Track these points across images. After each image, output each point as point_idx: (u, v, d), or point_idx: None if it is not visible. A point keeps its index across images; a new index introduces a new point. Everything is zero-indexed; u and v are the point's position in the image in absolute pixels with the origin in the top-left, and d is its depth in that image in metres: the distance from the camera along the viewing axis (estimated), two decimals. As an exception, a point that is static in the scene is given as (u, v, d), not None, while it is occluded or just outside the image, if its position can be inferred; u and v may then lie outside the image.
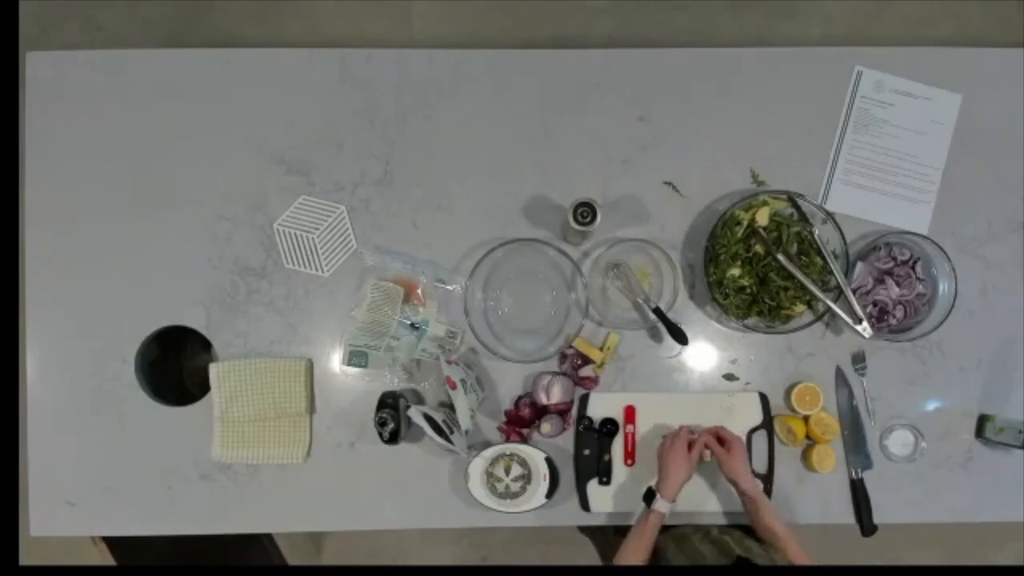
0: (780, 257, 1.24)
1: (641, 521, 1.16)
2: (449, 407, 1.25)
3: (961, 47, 1.36)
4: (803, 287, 1.24)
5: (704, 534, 1.21)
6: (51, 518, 1.32)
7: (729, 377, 1.33)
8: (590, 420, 1.29)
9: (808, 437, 1.30)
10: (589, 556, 1.84)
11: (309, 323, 1.33)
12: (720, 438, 1.20)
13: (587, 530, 1.78)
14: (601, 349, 1.30)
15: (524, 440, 1.29)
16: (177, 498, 1.32)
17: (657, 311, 1.25)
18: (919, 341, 1.30)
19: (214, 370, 1.29)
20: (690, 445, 1.19)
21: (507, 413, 1.31)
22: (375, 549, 2.15)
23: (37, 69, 1.34)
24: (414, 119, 1.34)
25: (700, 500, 1.29)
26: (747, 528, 1.28)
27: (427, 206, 1.34)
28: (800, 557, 1.08)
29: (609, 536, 1.19)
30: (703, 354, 1.33)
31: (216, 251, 1.33)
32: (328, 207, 1.33)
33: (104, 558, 1.36)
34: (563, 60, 1.36)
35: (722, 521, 1.30)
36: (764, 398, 1.31)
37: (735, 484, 1.17)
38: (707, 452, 1.21)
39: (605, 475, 1.29)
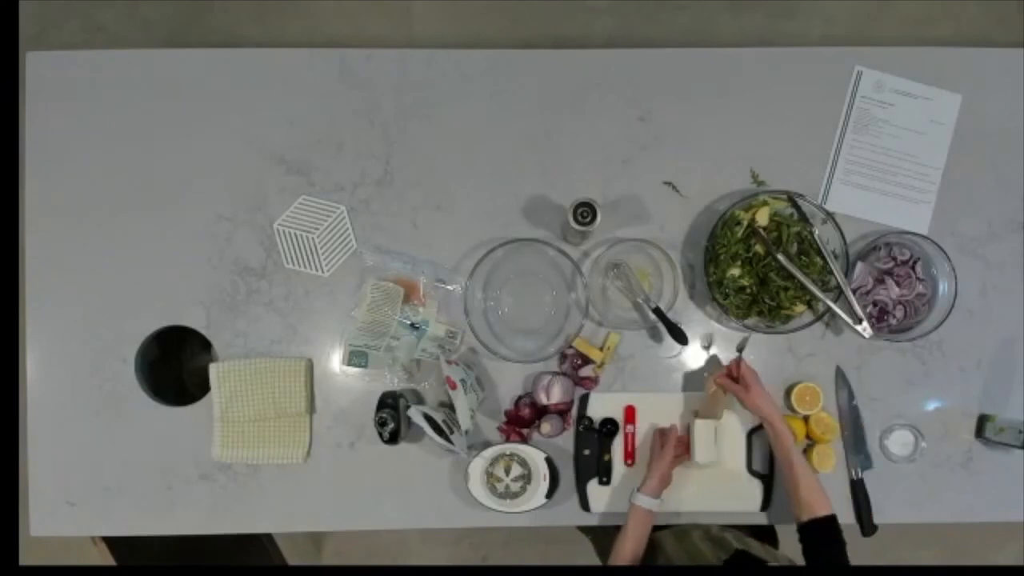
0: (780, 257, 1.24)
1: (627, 517, 1.18)
2: (449, 407, 1.25)
3: (961, 47, 1.36)
4: (803, 287, 1.24)
5: (704, 532, 1.21)
6: (51, 518, 1.32)
7: (729, 377, 1.33)
8: (590, 420, 1.29)
9: (808, 437, 1.30)
10: (589, 556, 1.84)
11: (309, 323, 1.33)
12: (731, 376, 1.20)
13: (588, 530, 1.78)
14: (601, 349, 1.30)
15: (524, 440, 1.29)
16: (177, 498, 1.32)
17: (657, 311, 1.25)
18: (919, 341, 1.30)
19: (214, 370, 1.29)
20: (664, 443, 1.22)
21: (507, 413, 1.31)
22: (375, 549, 2.15)
23: (37, 69, 1.34)
24: (414, 119, 1.34)
25: (701, 500, 1.29)
26: (747, 528, 1.28)
27: (427, 206, 1.34)
28: (815, 491, 1.08)
29: (612, 535, 1.19)
30: (703, 354, 1.33)
31: (216, 251, 1.33)
32: (328, 207, 1.33)
33: (104, 558, 1.36)
34: (563, 60, 1.36)
35: (722, 522, 1.30)
36: (764, 398, 1.31)
37: (761, 416, 1.16)
38: (718, 389, 1.21)
39: (605, 475, 1.29)
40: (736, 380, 1.20)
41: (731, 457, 1.29)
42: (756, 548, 1.11)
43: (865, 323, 1.23)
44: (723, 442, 1.25)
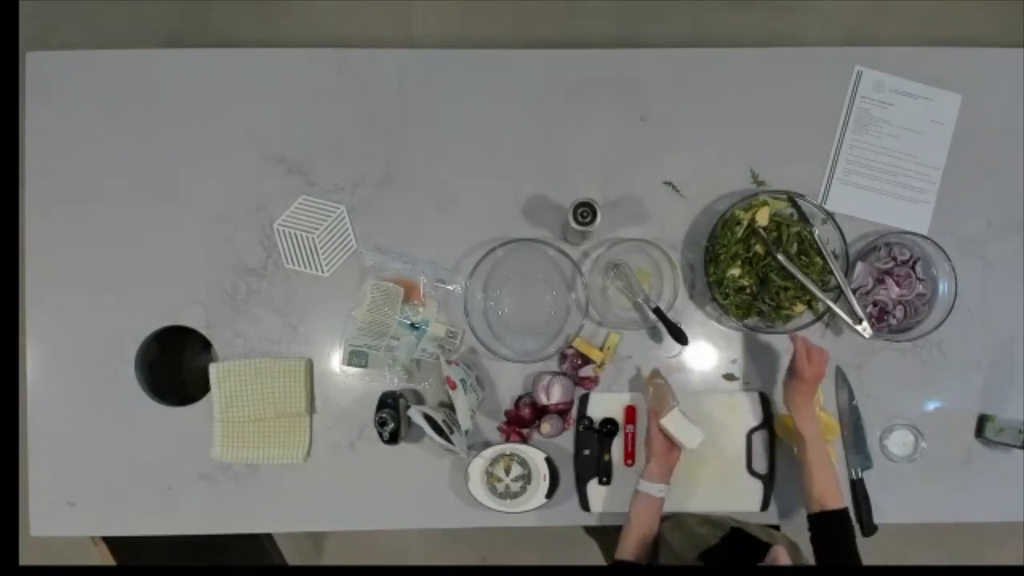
0: (780, 257, 1.24)
1: (629, 505, 1.16)
2: (449, 407, 1.25)
3: (961, 47, 1.37)
4: (803, 287, 1.24)
5: (701, 518, 1.21)
6: (51, 518, 1.32)
7: (729, 377, 1.33)
8: (590, 420, 1.29)
9: (808, 437, 1.30)
10: (589, 556, 1.84)
11: (309, 323, 1.33)
12: (808, 352, 1.12)
13: (593, 530, 1.78)
14: (601, 349, 1.30)
15: (524, 440, 1.29)
16: (177, 498, 1.32)
17: (657, 311, 1.25)
18: (919, 341, 1.30)
19: (214, 370, 1.29)
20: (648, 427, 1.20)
21: (507, 413, 1.31)
22: (375, 549, 2.15)
23: (37, 69, 1.34)
24: (414, 119, 1.34)
25: (701, 500, 1.29)
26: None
27: (427, 206, 1.34)
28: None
29: (612, 536, 1.19)
30: (703, 354, 1.33)
31: (216, 251, 1.33)
32: (328, 207, 1.33)
33: (104, 558, 1.36)
34: (563, 60, 1.36)
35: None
36: (764, 398, 1.31)
37: (798, 417, 1.12)
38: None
39: (605, 475, 1.29)
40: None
41: (729, 452, 1.29)
42: (753, 528, 1.11)
43: (865, 323, 1.23)
44: (695, 417, 1.18)
